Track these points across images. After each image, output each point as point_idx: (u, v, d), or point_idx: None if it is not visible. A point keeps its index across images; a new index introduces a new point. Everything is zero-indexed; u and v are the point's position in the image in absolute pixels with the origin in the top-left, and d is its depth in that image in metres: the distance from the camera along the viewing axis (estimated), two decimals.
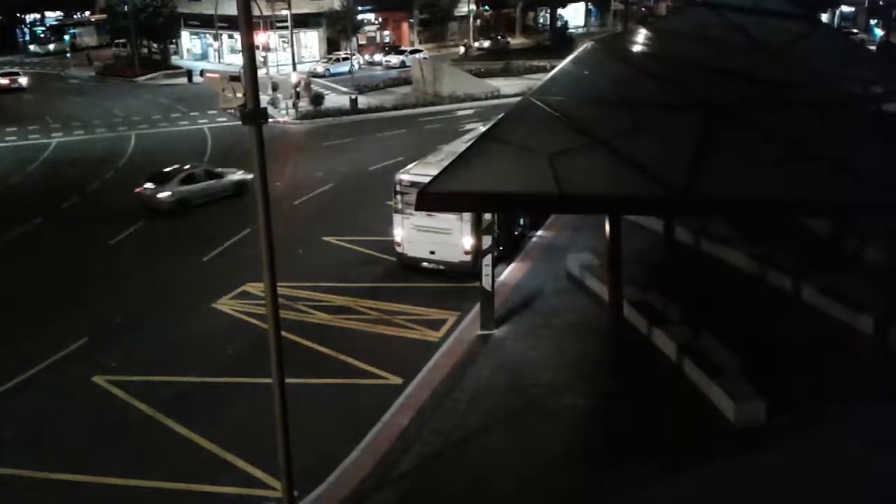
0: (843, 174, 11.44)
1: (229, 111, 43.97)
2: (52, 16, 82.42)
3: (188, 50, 69.93)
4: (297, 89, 46.88)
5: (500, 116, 14.43)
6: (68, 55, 67.52)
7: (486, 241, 17.03)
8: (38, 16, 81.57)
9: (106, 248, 23.91)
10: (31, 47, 77.34)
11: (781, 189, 11.31)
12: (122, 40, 66.45)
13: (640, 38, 18.22)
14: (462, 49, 71.59)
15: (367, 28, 71.11)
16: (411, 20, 74.96)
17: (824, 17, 71.87)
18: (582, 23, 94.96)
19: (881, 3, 72.67)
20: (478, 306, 17.57)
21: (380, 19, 72.55)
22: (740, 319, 16.66)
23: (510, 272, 20.55)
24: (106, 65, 65.36)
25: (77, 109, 48.34)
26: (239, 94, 44.06)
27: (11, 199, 30.20)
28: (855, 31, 69.93)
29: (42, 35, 79.79)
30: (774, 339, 16.07)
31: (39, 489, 12.78)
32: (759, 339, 15.82)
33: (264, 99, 37.34)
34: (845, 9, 79.60)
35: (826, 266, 18.29)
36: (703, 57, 15.29)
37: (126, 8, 59.96)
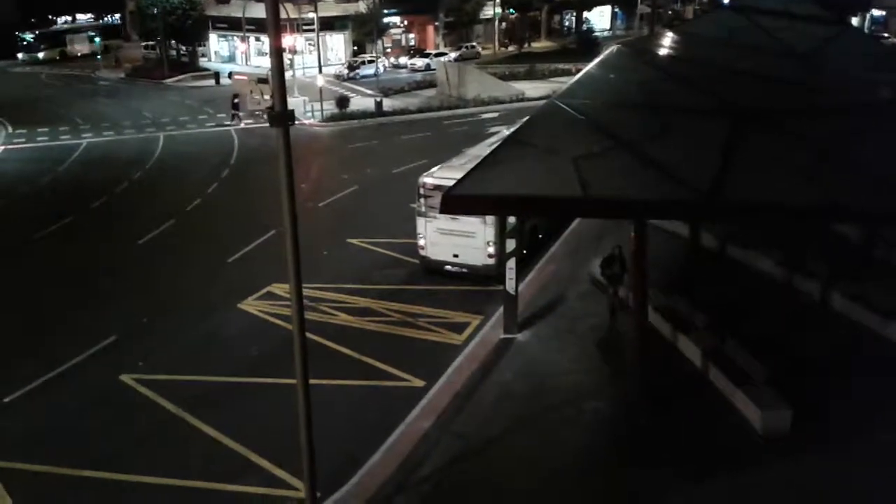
0: (873, 180, 11.27)
1: (256, 112, 44.35)
2: (83, 17, 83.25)
3: (216, 52, 70.67)
4: (258, 107, 44.02)
5: (525, 119, 14.39)
6: (98, 58, 68.54)
7: (510, 244, 17.01)
8: (69, 18, 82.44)
9: (134, 248, 24.21)
10: (20, 55, 71.81)
11: (810, 194, 11.18)
12: (151, 42, 67.34)
13: (667, 42, 18.13)
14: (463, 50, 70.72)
15: (393, 31, 71.37)
16: (437, 23, 75.13)
17: (854, 21, 70.94)
18: (608, 26, 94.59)
19: None
20: (501, 310, 17.54)
21: (405, 22, 72.81)
22: (767, 326, 16.48)
23: (534, 276, 20.50)
24: (135, 67, 66.27)
25: (106, 111, 49.05)
26: (266, 97, 44.38)
27: (43, 199, 30.71)
28: (885, 34, 68.97)
29: (27, 43, 72.53)
30: (802, 346, 15.88)
31: (65, 486, 12.95)
32: (785, 347, 15.64)
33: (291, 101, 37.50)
34: (876, 12, 78.47)
35: (855, 273, 18.04)
36: (731, 60, 15.18)
37: (156, 11, 60.73)
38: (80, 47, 75.65)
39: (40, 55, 71.84)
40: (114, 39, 77.07)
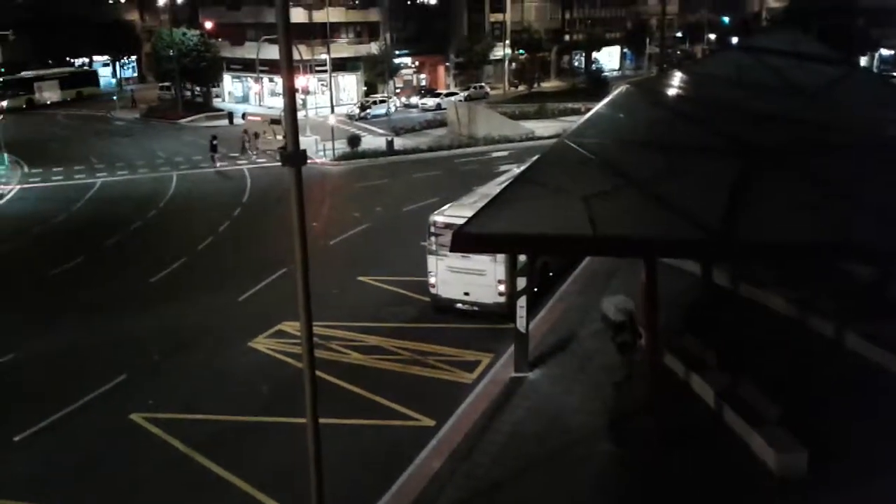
0: (883, 218, 11.25)
1: (268, 151, 44.78)
2: (100, 59, 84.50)
3: (230, 93, 71.71)
4: (247, 142, 46.51)
5: (534, 158, 14.48)
6: (115, 98, 69.66)
7: (521, 282, 16.99)
8: (86, 60, 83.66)
9: (146, 286, 24.33)
10: None
11: (821, 233, 11.16)
12: (166, 83, 68.48)
13: (676, 82, 18.25)
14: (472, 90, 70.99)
15: (404, 71, 72.29)
16: (447, 64, 76.08)
17: (863, 61, 71.35)
18: (617, 66, 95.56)
19: None
20: (512, 348, 17.46)
21: (416, 63, 73.77)
22: (781, 365, 16.31)
23: (544, 314, 20.43)
24: (150, 107, 67.30)
25: (121, 150, 49.66)
26: (279, 137, 44.87)
27: (57, 237, 30.98)
28: (895, 74, 69.30)
29: None
30: (817, 385, 15.69)
31: None
32: (800, 386, 15.46)
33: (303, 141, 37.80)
34: (885, 52, 78.96)
35: (868, 311, 17.88)
36: (740, 100, 15.25)
37: (171, 52, 61.85)
38: (49, 95, 71.22)
39: (4, 103, 63.72)
40: (89, 87, 75.59)
